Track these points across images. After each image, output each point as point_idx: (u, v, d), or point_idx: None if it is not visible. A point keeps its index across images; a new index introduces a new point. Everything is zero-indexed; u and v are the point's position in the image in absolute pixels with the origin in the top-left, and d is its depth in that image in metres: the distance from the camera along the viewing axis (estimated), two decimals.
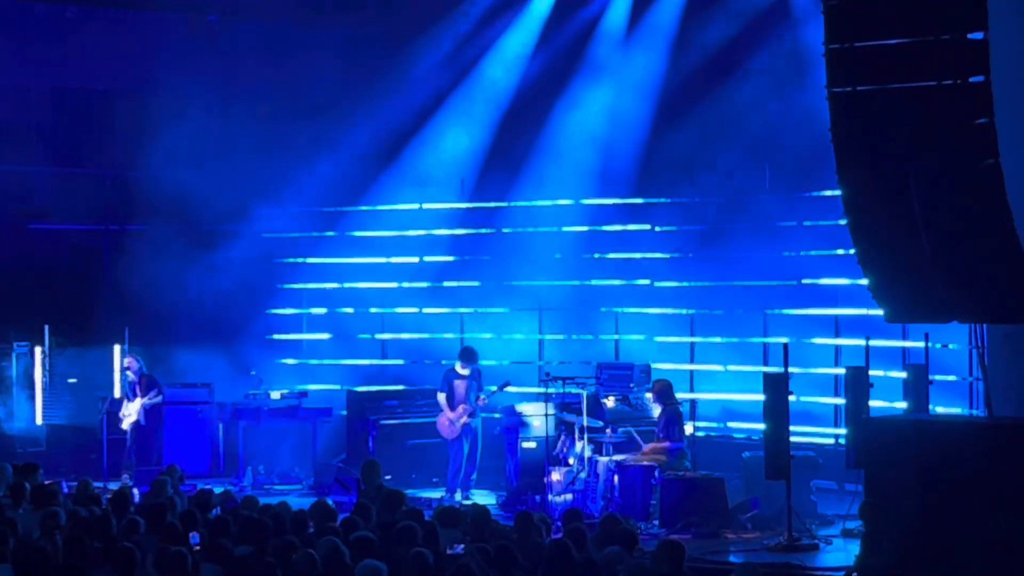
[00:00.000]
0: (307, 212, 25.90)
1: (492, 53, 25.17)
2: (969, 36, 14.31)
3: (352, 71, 24.92)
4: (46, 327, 24.17)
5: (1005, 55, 14.24)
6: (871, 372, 17.66)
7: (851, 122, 14.98)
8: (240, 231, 25.36)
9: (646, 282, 23.77)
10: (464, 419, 21.18)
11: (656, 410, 19.65)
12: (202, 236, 25.21)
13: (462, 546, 13.12)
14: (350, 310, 25.81)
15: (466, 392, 21.26)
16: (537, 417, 20.44)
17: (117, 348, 24.03)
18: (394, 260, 25.56)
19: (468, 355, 21.45)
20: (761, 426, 18.05)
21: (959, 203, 14.54)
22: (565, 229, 24.49)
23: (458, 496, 20.82)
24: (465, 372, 21.34)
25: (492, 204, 25.06)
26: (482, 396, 21.27)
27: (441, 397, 21.41)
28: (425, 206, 25.44)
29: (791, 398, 17.52)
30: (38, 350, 24.27)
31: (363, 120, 25.24)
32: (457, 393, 21.29)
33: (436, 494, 20.98)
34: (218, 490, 16.50)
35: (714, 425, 22.92)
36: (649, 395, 20.01)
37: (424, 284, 25.38)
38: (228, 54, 24.39)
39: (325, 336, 25.97)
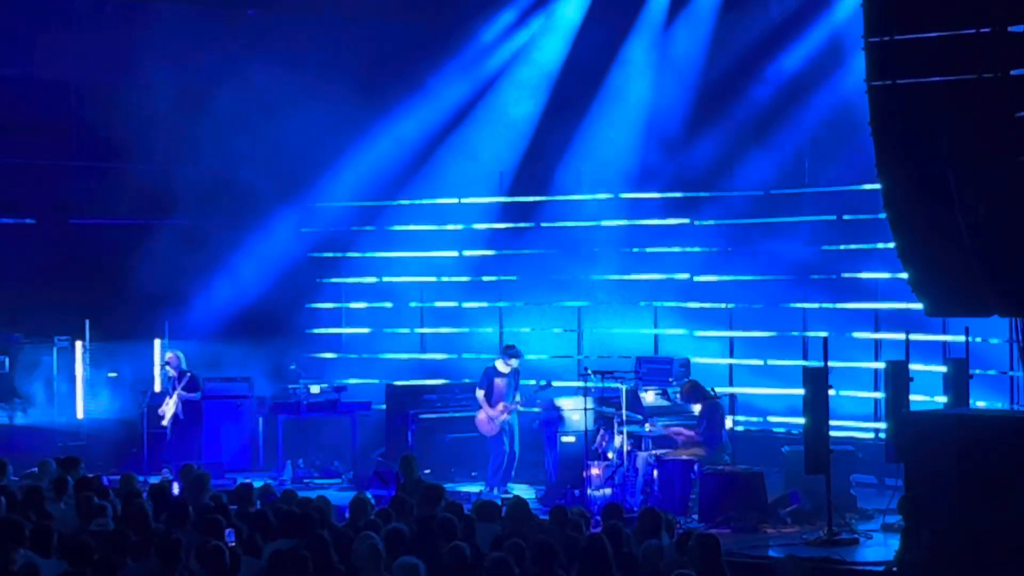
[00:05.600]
0: (346, 207, 25.93)
1: (530, 49, 25.18)
2: (1010, 29, 14.25)
3: (391, 65, 24.95)
4: (87, 321, 24.23)
5: None
6: (911, 366, 17.63)
7: (891, 116, 14.95)
8: (279, 225, 25.43)
9: (685, 276, 23.72)
10: (504, 416, 21.16)
11: (696, 407, 19.61)
12: (241, 231, 25.30)
13: None
14: (389, 304, 25.85)
15: (506, 389, 21.24)
16: (576, 411, 20.37)
17: (157, 342, 24.12)
18: (433, 254, 25.58)
19: (511, 351, 21.44)
20: (801, 420, 18.01)
21: (999, 197, 14.48)
22: (604, 223, 24.47)
23: (496, 491, 20.81)
24: (506, 370, 21.31)
25: (531, 198, 25.06)
26: (517, 398, 21.25)
27: (479, 393, 21.37)
28: (464, 200, 25.45)
29: (830, 392, 17.49)
30: (79, 344, 24.35)
31: (402, 114, 25.29)
32: (498, 390, 21.24)
33: (475, 488, 20.97)
34: (257, 484, 16.51)
35: (754, 419, 22.89)
36: (680, 398, 20.03)
37: (463, 278, 25.41)
38: (266, 49, 24.41)
39: (364, 330, 26.01)
